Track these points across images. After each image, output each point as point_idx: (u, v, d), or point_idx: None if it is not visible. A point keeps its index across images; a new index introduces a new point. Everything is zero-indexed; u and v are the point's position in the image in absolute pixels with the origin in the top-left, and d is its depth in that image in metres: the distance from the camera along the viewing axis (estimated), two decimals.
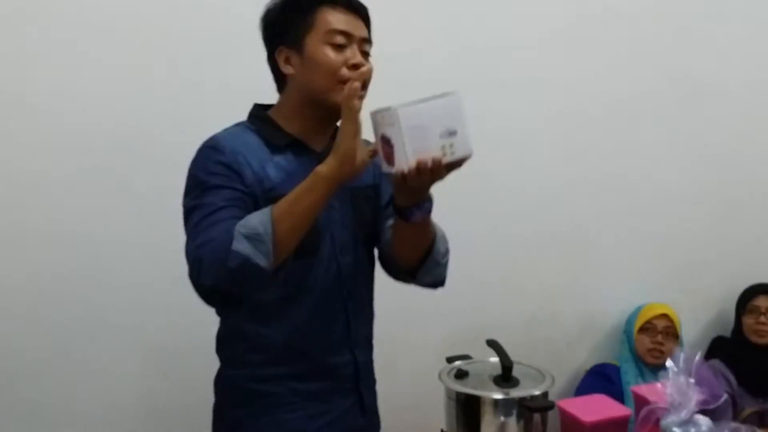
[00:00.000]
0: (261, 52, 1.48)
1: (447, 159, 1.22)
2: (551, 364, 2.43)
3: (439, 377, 1.65)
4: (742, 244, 3.05)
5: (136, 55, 2.11)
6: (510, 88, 2.57)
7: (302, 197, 1.24)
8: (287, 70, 1.42)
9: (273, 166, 1.39)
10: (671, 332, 2.74)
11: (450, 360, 1.77)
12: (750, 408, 2.81)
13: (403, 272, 1.55)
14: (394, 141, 1.20)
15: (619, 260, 2.87)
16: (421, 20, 2.42)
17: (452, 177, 1.26)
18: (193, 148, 1.41)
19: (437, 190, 1.35)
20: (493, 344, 1.69)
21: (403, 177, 1.22)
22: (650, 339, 2.73)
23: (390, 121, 1.20)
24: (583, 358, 2.88)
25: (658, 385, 1.56)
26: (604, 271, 2.85)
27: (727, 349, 2.96)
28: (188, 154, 1.40)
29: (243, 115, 1.50)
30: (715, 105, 2.92)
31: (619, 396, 2.65)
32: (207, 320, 1.52)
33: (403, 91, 1.37)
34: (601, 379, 2.73)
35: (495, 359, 1.69)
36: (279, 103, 1.48)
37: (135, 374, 2.23)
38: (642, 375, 2.74)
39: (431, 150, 1.20)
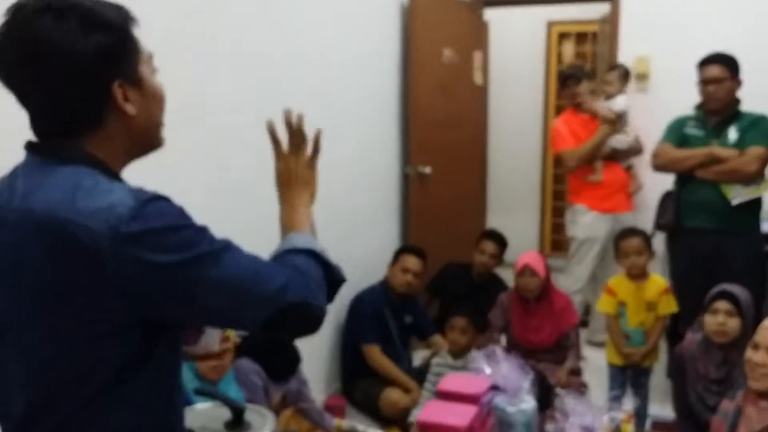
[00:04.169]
0: None
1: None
2: None
3: None
4: None
5: None
6: None
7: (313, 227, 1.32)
8: (130, 109, 1.13)
9: None
10: None
11: None
12: (276, 392, 3.24)
13: None
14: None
15: None
16: None
17: None
18: None
19: None
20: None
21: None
22: None
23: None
24: None
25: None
26: None
27: (255, 347, 3.36)
28: None
29: None
30: None
31: None
32: None
33: None
34: None
35: (208, 405, 1.73)
36: (92, 143, 1.13)
37: None
38: None
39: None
